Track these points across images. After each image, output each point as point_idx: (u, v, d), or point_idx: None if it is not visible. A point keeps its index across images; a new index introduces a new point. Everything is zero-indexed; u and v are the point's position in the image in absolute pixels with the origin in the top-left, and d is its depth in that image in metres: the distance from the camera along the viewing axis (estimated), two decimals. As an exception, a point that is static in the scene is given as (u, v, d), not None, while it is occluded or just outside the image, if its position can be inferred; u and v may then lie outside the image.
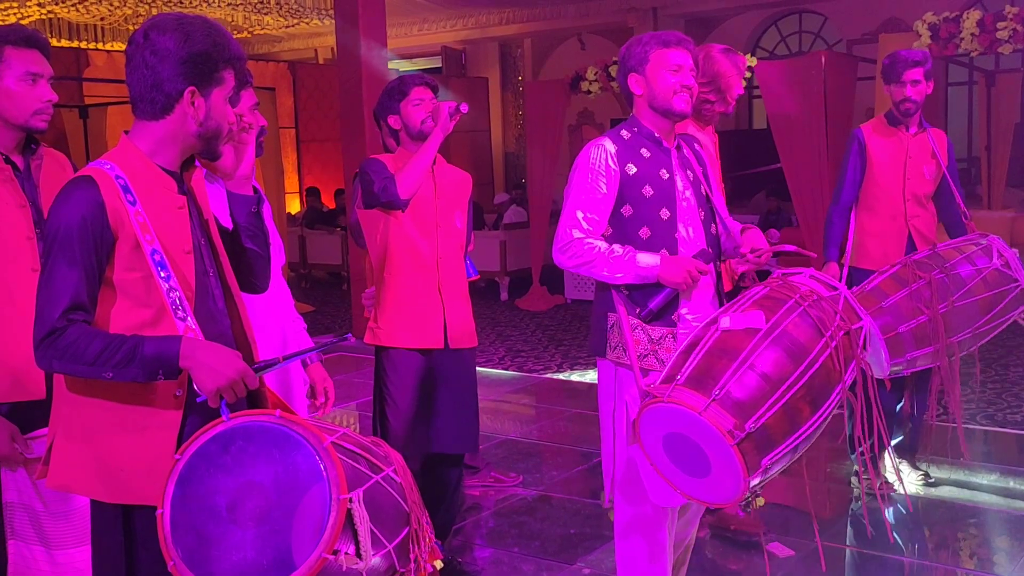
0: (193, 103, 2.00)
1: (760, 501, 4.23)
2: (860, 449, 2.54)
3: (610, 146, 2.91)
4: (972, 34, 7.30)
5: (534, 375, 7.37)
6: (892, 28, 11.13)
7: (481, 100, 15.14)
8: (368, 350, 3.74)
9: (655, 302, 2.84)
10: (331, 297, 11.52)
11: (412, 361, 3.56)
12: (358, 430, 5.83)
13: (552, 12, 14.15)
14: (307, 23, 13.98)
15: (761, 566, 3.75)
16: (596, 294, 2.99)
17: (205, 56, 1.99)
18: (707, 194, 3.01)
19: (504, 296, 10.96)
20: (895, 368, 3.81)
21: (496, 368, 7.52)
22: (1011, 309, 3.86)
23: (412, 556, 1.99)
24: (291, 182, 13.59)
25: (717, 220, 3.03)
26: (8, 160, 2.64)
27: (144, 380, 1.91)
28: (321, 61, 16.01)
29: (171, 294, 1.94)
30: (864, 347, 2.53)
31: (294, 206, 13.58)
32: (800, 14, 14.38)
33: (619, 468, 2.93)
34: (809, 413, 2.42)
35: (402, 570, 1.97)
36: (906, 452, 4.66)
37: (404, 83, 3.58)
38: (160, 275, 1.94)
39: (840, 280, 4.31)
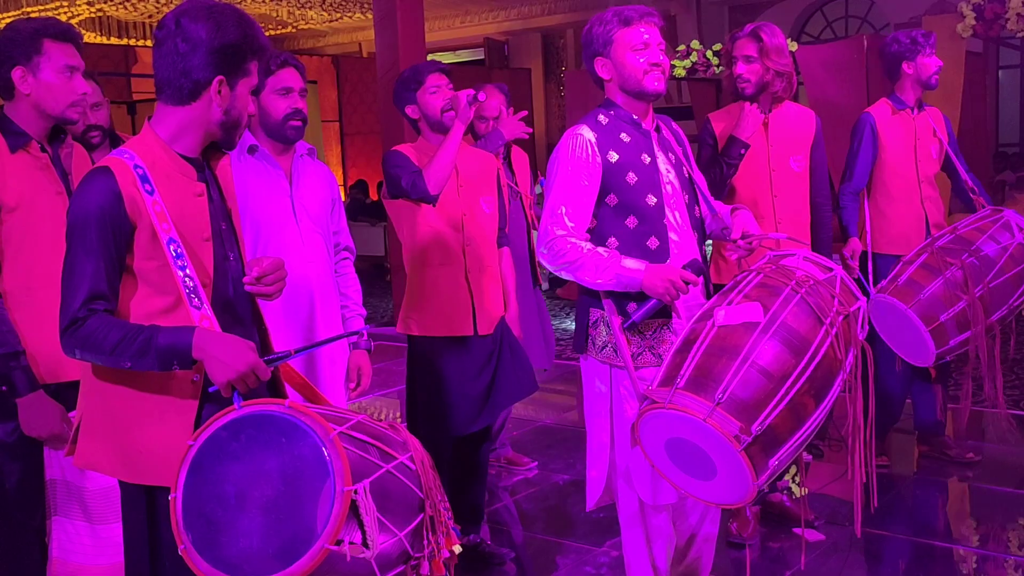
0: (220, 92, 2.03)
1: (803, 490, 4.21)
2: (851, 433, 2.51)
3: (589, 134, 2.77)
4: (1018, 14, 7.14)
5: (572, 363, 7.38)
6: (939, 10, 10.92)
7: (524, 91, 15.12)
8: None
9: (638, 314, 2.64)
10: (374, 287, 11.61)
11: (441, 349, 3.60)
12: (398, 417, 5.90)
13: (594, 1, 14.10)
14: (350, 17, 14.08)
15: (789, 551, 3.74)
16: (580, 290, 2.84)
17: (235, 47, 2.03)
18: (689, 175, 2.89)
19: (545, 285, 10.97)
20: (940, 356, 3.82)
21: (535, 357, 7.54)
22: None
23: (426, 542, 2.02)
24: (336, 175, 13.70)
25: (701, 201, 2.91)
26: (43, 149, 2.74)
27: (160, 370, 1.96)
28: (365, 55, 16.11)
29: (187, 282, 1.98)
30: (861, 327, 2.47)
31: (338, 198, 13.71)
32: (846, -2, 14.18)
33: (620, 463, 2.85)
34: (814, 407, 2.36)
35: (416, 555, 2.01)
36: (933, 436, 4.65)
37: (418, 72, 3.56)
38: (176, 264, 1.98)
39: (866, 259, 4.36)
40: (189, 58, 2.00)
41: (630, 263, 2.64)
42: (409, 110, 3.59)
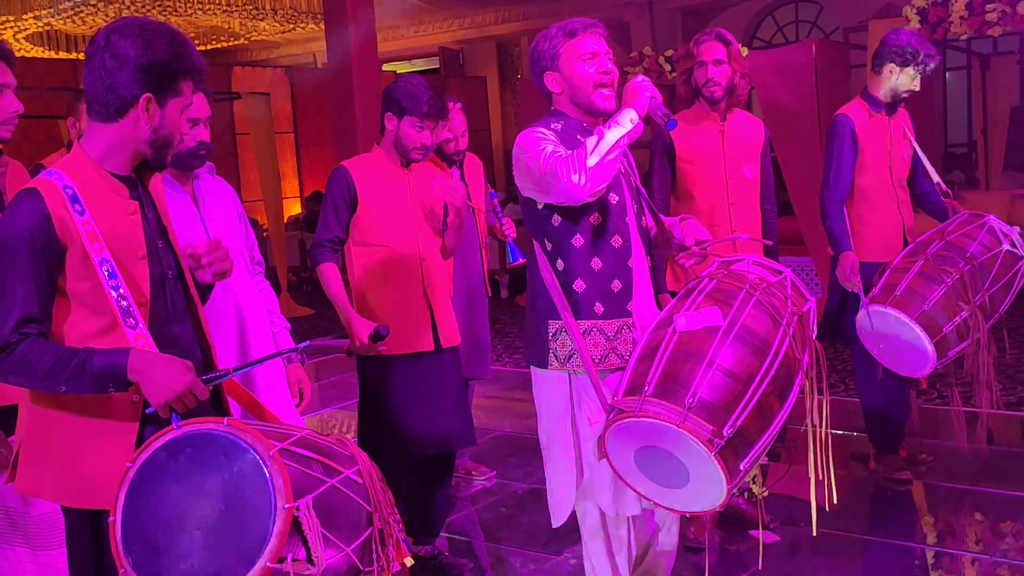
0: (148, 110, 2.01)
1: (764, 491, 4.23)
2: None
3: (547, 130, 2.69)
4: (961, 17, 7.27)
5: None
6: (887, 15, 11.08)
7: (479, 99, 15.14)
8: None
9: (664, 117, 2.62)
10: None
11: (401, 366, 3.55)
12: (351, 432, 5.86)
13: (548, 9, 14.14)
14: (303, 28, 14.00)
15: (746, 553, 3.76)
16: (530, 301, 2.81)
17: (165, 65, 2.00)
18: (636, 185, 2.87)
19: (504, 293, 10.97)
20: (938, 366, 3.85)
21: (494, 365, 7.51)
22: (1019, 282, 3.97)
23: (375, 556, 2.01)
24: (292, 186, 13.62)
25: (646, 210, 2.90)
26: None
27: (96, 393, 1.93)
28: (319, 65, 16.04)
29: (120, 303, 1.96)
30: (812, 327, 2.50)
31: (295, 210, 13.63)
32: (796, 3, 14.34)
33: (583, 474, 2.80)
34: (779, 406, 2.39)
35: (367, 569, 1.99)
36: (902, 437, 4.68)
37: (417, 102, 3.45)
38: (109, 284, 1.95)
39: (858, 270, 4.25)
40: (116, 74, 1.98)
41: (609, 123, 2.60)
42: (387, 121, 3.52)
